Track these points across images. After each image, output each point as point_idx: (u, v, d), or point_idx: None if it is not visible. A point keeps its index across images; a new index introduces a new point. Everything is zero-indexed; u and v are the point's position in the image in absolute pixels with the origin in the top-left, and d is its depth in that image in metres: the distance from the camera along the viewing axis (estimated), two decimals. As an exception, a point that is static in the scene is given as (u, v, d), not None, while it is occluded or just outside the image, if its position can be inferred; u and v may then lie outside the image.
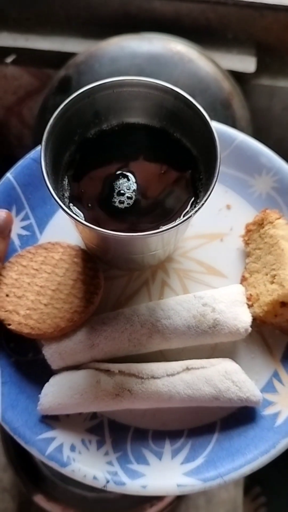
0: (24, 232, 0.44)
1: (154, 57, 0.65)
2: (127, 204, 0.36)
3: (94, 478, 0.35)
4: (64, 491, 0.61)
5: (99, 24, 0.80)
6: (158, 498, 0.62)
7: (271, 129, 0.88)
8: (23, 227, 0.44)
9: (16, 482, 0.72)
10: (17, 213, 0.44)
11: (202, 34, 0.77)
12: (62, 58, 0.75)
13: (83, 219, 0.34)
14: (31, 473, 0.63)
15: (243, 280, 0.42)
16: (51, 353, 0.38)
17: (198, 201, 0.33)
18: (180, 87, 0.64)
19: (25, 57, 0.81)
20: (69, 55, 0.74)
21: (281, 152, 0.90)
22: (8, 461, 0.65)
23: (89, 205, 0.35)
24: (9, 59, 0.80)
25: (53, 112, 0.68)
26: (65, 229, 0.43)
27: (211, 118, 0.63)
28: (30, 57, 0.81)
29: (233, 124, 0.67)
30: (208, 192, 0.31)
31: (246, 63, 0.77)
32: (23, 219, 0.44)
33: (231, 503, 0.79)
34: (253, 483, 1.02)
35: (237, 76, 0.74)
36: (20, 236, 0.44)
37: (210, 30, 0.78)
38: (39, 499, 0.61)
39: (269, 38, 0.79)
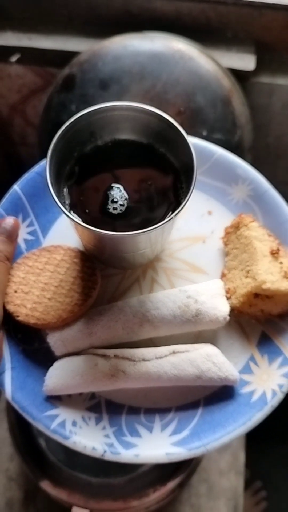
0: (29, 237, 0.50)
1: (156, 56, 0.66)
2: (120, 210, 0.41)
3: (93, 448, 0.41)
4: (69, 477, 0.65)
5: (101, 23, 0.80)
6: (161, 484, 0.66)
7: (270, 126, 0.89)
8: (28, 233, 0.50)
9: (23, 471, 0.76)
10: (23, 220, 0.49)
11: (202, 33, 0.77)
12: (65, 57, 0.76)
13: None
14: (38, 460, 0.67)
15: (223, 276, 0.48)
16: (55, 341, 0.43)
17: (180, 206, 0.38)
18: (181, 84, 0.67)
19: (29, 56, 0.82)
20: (72, 54, 0.75)
21: (280, 149, 0.93)
22: (15, 449, 0.69)
23: (87, 211, 0.41)
24: (13, 58, 0.80)
25: (58, 110, 0.72)
26: (66, 233, 0.49)
27: (212, 115, 0.66)
28: (33, 56, 0.82)
29: (233, 120, 0.68)
30: (186, 198, 0.37)
31: (246, 61, 0.77)
32: (28, 226, 0.50)
33: (232, 492, 0.82)
34: (254, 477, 1.05)
35: (237, 74, 0.75)
36: (26, 241, 0.49)
37: (210, 29, 0.78)
38: (46, 485, 0.64)
39: (268, 37, 0.78)
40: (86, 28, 0.82)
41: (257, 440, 0.90)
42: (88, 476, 0.65)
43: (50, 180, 0.37)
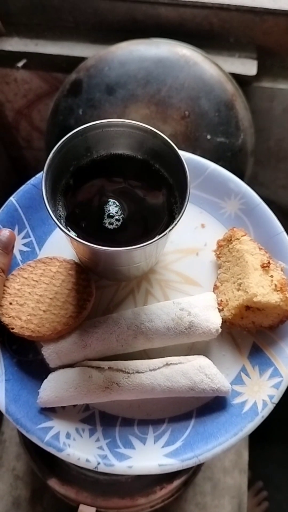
0: (25, 248, 0.50)
1: (161, 61, 0.68)
2: (116, 225, 0.42)
3: (87, 460, 0.41)
4: (77, 475, 0.64)
5: (106, 29, 0.83)
6: (167, 481, 0.66)
7: (271, 130, 0.90)
8: (24, 244, 0.50)
9: (30, 470, 0.76)
10: (19, 231, 0.50)
11: (205, 39, 0.80)
12: (71, 62, 0.79)
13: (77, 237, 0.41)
14: (46, 458, 0.66)
15: (215, 288, 0.49)
16: (49, 353, 0.43)
17: (174, 221, 0.39)
18: (185, 89, 0.69)
19: (35, 61, 0.84)
20: (78, 60, 0.78)
21: (281, 152, 0.95)
22: (23, 447, 0.68)
23: (83, 225, 0.42)
24: (20, 64, 0.83)
25: (65, 114, 0.74)
26: (61, 245, 0.49)
27: (216, 118, 0.68)
28: (39, 62, 0.84)
29: (236, 124, 0.70)
30: (180, 214, 0.38)
31: (248, 66, 0.79)
32: (24, 237, 0.50)
33: (236, 490, 0.83)
34: (256, 478, 1.06)
35: (239, 79, 0.77)
36: (21, 252, 0.50)
37: (212, 35, 0.80)
38: (54, 483, 0.63)
39: (269, 42, 0.80)
40: (91, 34, 0.84)
41: (258, 441, 0.92)
42: (95, 474, 0.65)
43: (46, 194, 0.38)
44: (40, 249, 0.50)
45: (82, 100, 0.73)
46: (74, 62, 0.78)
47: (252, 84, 0.82)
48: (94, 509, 0.65)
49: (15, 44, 0.84)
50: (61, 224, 0.39)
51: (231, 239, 0.48)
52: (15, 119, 1.00)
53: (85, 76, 0.71)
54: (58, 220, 0.38)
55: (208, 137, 0.69)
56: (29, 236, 0.50)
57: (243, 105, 0.75)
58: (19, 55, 0.84)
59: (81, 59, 0.77)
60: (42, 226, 0.51)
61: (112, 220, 0.42)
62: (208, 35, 0.81)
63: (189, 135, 0.68)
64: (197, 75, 0.68)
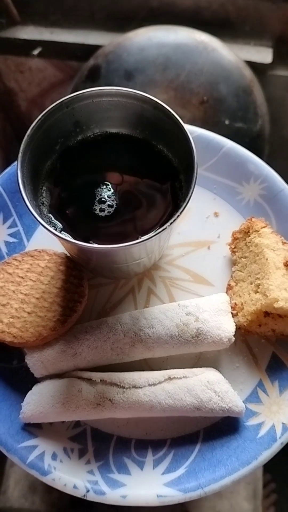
0: (11, 239, 0.44)
1: (180, 47, 0.69)
2: (108, 212, 0.36)
3: (74, 487, 0.36)
4: None
5: (122, 17, 0.83)
6: None
7: (285, 119, 0.89)
8: (10, 234, 0.44)
9: None
10: (4, 220, 0.44)
11: (221, 27, 0.80)
12: (86, 50, 0.79)
13: (61, 228, 0.34)
14: None
15: (229, 288, 0.42)
16: (34, 362, 0.38)
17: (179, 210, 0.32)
18: (204, 74, 0.69)
19: (50, 49, 0.84)
20: (93, 48, 0.77)
21: None
22: None
23: (69, 213, 0.35)
24: (35, 52, 0.84)
25: None
26: (53, 236, 0.43)
27: (234, 104, 0.67)
28: (54, 50, 0.84)
29: (254, 110, 0.70)
30: (186, 201, 0.31)
31: (263, 54, 0.79)
32: (10, 226, 0.44)
33: (251, 476, 0.80)
34: (264, 470, 1.05)
35: (254, 67, 0.76)
36: (7, 243, 0.44)
37: (228, 23, 0.80)
38: None
39: (285, 30, 0.79)
40: (107, 23, 0.84)
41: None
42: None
43: (22, 178, 0.31)
44: (28, 240, 0.44)
45: (100, 86, 0.70)
46: (89, 50, 0.77)
47: (267, 72, 0.80)
48: None
49: (30, 33, 0.84)
50: (42, 212, 0.32)
51: (248, 231, 0.41)
52: (28, 109, 0.99)
53: (104, 62, 0.71)
54: (39, 208, 0.32)
55: (227, 122, 0.69)
56: (16, 226, 0.44)
57: (260, 92, 0.73)
58: (34, 44, 0.84)
59: (96, 47, 0.76)
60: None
61: (104, 206, 0.35)
62: (223, 23, 0.80)
63: (208, 120, 0.68)
64: (216, 61, 0.68)
